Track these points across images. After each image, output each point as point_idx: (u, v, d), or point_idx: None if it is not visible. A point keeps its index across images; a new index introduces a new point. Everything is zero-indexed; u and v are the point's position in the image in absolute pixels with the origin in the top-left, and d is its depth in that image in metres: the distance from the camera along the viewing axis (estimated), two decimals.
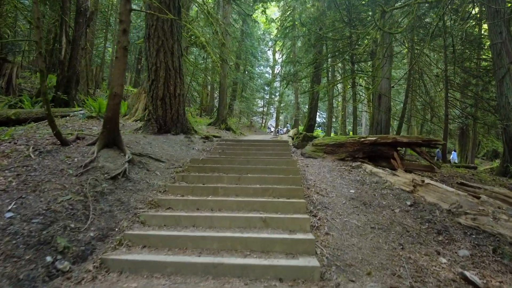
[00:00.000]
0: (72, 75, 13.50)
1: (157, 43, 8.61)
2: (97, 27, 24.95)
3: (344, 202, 5.29)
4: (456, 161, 23.92)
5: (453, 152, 24.90)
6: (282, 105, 29.96)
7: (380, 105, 16.52)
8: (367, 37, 9.86)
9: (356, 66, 18.17)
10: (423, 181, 5.63)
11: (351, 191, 5.72)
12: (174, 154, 7.03)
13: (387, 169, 7.02)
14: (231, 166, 6.19)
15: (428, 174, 7.09)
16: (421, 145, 6.96)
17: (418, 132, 27.18)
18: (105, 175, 5.07)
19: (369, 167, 6.86)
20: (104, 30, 23.91)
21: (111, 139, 5.82)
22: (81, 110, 11.71)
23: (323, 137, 10.72)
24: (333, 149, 7.92)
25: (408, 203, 5.30)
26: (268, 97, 30.74)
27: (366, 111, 24.20)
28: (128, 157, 5.70)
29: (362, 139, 7.45)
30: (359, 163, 7.29)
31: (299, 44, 23.84)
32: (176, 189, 5.25)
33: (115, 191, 4.86)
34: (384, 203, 5.41)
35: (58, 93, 12.91)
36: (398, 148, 7.34)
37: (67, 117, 10.66)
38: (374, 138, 7.26)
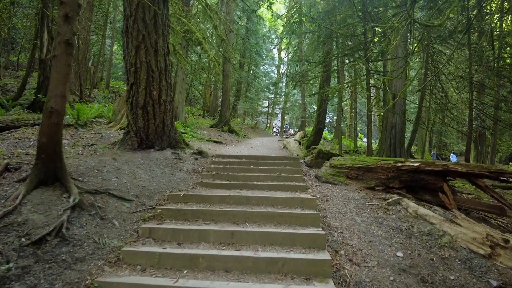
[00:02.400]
0: None
1: (137, 38, 6.61)
2: (96, 24, 23.12)
3: (392, 278, 3.29)
4: None
5: (452, 154, 22.70)
6: (288, 105, 27.78)
7: (395, 107, 14.44)
8: (394, 32, 7.80)
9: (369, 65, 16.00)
10: (507, 241, 3.60)
11: (398, 254, 3.71)
12: (149, 185, 5.06)
13: (435, 207, 4.99)
14: (223, 209, 4.21)
15: (494, 216, 5.03)
16: (486, 178, 4.91)
17: (429, 134, 24.86)
18: (24, 238, 3.15)
19: (411, 205, 4.84)
20: (103, 27, 21.92)
21: (49, 173, 3.88)
22: None
23: (344, 154, 8.77)
24: (359, 174, 5.90)
25: (494, 283, 3.28)
26: (273, 97, 28.58)
27: (375, 114, 21.97)
28: (74, 200, 3.76)
29: (400, 164, 5.41)
30: (395, 196, 5.27)
31: (306, 42, 21.65)
32: (135, 257, 3.30)
33: (33, 268, 2.93)
34: (451, 278, 3.40)
35: (39, 95, 11.06)
36: (448, 178, 5.30)
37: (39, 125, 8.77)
38: (416, 164, 5.21)
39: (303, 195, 4.91)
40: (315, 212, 4.10)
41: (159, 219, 4.06)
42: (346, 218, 4.57)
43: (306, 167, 7.24)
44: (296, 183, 5.90)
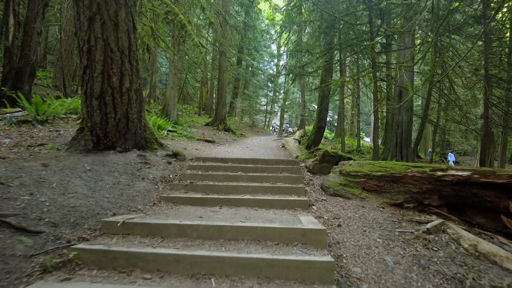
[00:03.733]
0: (25, 66, 9.94)
1: (90, 7, 4.95)
2: None
3: None
4: (452, 164, 19.94)
5: (450, 153, 21.02)
6: (287, 103, 26.04)
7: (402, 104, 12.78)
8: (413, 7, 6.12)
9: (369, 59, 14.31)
10: None
11: None
12: (82, 204, 3.39)
13: (498, 236, 3.32)
14: (177, 252, 2.52)
15: None
16: None
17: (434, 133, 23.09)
18: None
19: (465, 235, 3.16)
20: None
21: None
22: (19, 111, 8.20)
23: (358, 158, 7.15)
24: (380, 185, 4.22)
25: None
26: (272, 94, 26.85)
27: (379, 111, 20.22)
28: None
29: (440, 173, 3.74)
30: (435, 219, 3.59)
31: (305, 38, 19.92)
32: None
33: None
34: None
35: (3, 88, 9.40)
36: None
37: None
38: (467, 173, 3.54)
39: (304, 220, 3.24)
40: (326, 259, 2.42)
41: (70, 270, 2.39)
42: (372, 258, 2.90)
43: (309, 174, 5.57)
44: (296, 197, 4.24)
